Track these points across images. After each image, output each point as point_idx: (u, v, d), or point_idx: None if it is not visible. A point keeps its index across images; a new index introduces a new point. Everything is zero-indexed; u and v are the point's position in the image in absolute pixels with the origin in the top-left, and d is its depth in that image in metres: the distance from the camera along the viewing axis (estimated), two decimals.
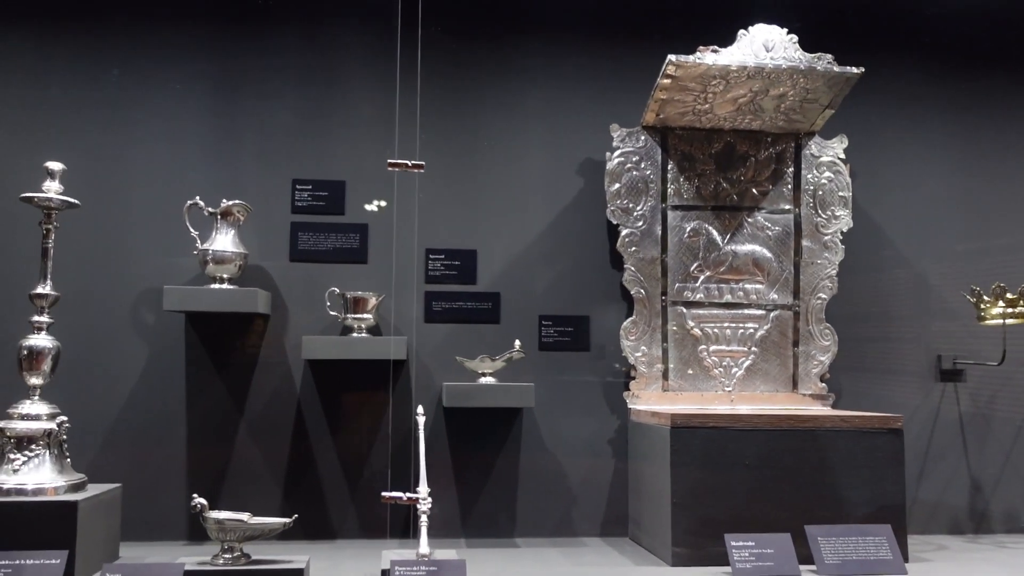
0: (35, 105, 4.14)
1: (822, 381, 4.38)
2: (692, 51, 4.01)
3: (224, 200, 3.99)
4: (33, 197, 3.48)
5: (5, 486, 3.26)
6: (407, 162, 2.53)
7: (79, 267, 4.03)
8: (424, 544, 3.10)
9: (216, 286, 3.95)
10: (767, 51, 4.05)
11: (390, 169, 2.56)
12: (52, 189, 3.50)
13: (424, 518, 3.16)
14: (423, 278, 4.30)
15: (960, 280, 4.60)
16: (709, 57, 4.01)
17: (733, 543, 3.50)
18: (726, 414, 3.79)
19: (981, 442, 4.58)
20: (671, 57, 3.97)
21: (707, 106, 4.24)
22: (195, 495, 3.17)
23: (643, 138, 4.37)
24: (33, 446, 3.33)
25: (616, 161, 4.35)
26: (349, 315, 4.04)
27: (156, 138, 4.20)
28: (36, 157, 4.03)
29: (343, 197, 4.29)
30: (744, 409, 4.13)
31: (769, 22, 4.11)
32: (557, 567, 3.63)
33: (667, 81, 4.07)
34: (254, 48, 4.29)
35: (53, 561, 3.03)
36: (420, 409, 3.51)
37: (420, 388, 4.23)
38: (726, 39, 4.08)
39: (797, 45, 4.07)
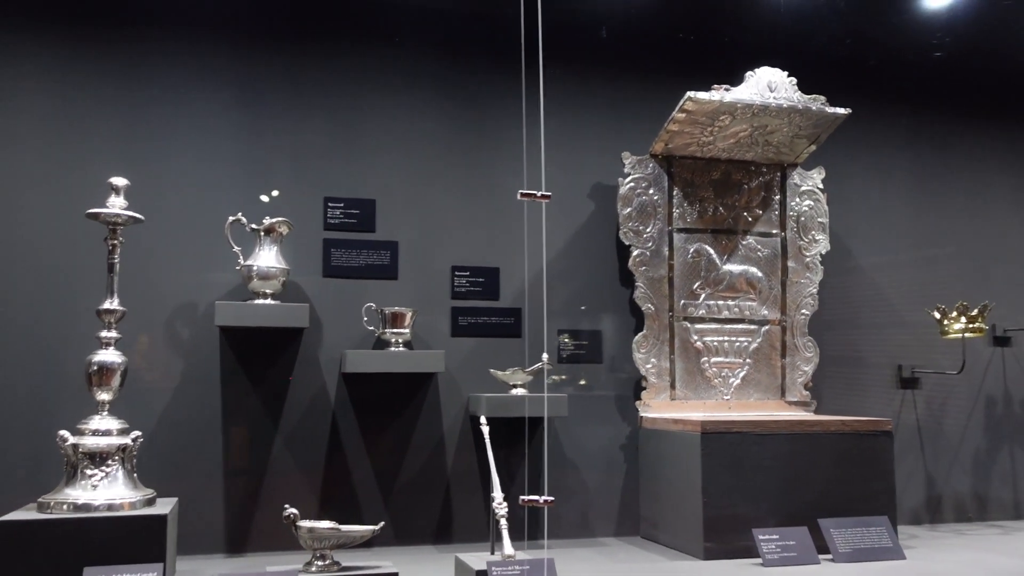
0: (69, 123, 4.09)
1: (806, 389, 4.85)
2: (692, 87, 4.37)
3: (267, 217, 4.08)
4: (99, 213, 3.49)
5: (80, 501, 3.25)
6: (536, 192, 2.75)
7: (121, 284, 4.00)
8: (508, 546, 3.32)
9: (261, 301, 4.02)
10: (771, 91, 4.49)
11: (520, 199, 2.77)
12: (117, 204, 3.52)
13: (504, 522, 3.38)
14: (450, 294, 4.50)
15: (916, 297, 5.20)
16: (722, 95, 4.40)
17: (760, 536, 3.89)
18: (747, 420, 4.18)
19: (934, 443, 5.17)
20: (690, 94, 4.34)
21: (711, 139, 4.64)
22: (287, 505, 3.27)
23: (651, 165, 4.73)
24: (109, 461, 3.34)
25: (628, 186, 4.69)
26: (387, 329, 4.19)
27: (190, 156, 4.23)
28: (71, 175, 4.05)
29: (374, 215, 4.43)
30: (760, 416, 4.52)
31: (765, 63, 4.55)
32: (602, 565, 3.91)
33: (682, 115, 4.44)
34: (286, 69, 4.38)
35: (150, 575, 3.07)
36: (483, 419, 3.72)
37: (448, 399, 4.42)
38: (723, 78, 4.49)
39: (796, 86, 4.52)
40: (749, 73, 4.50)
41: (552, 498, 2.79)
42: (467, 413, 4.43)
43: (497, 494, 3.44)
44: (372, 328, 4.26)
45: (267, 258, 4.05)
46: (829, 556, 3.93)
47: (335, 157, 4.43)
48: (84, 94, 4.12)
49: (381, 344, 4.26)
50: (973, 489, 5.20)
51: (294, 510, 3.25)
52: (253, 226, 4.07)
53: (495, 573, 3.13)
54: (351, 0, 4.51)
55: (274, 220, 4.07)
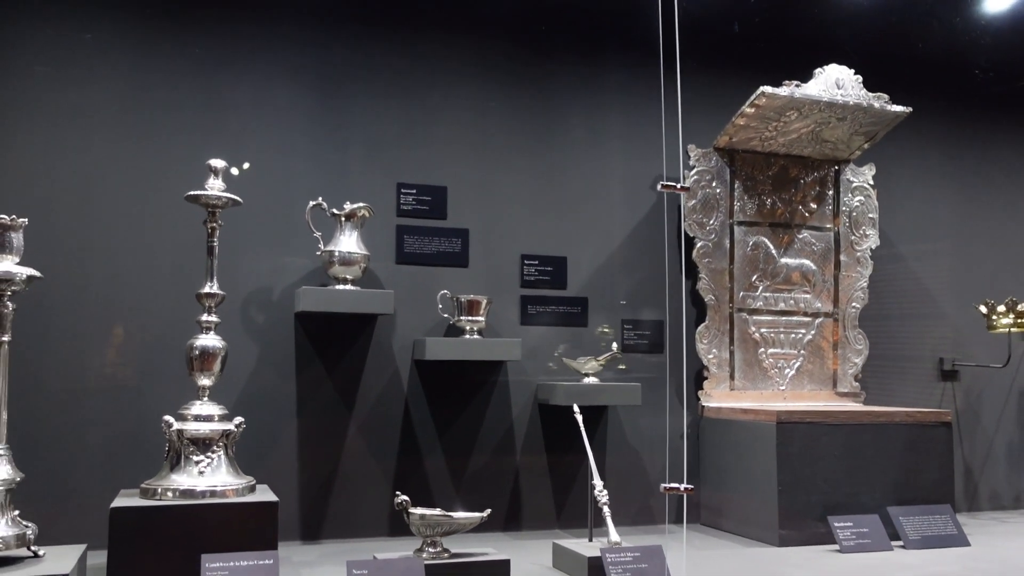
0: (139, 109, 3.99)
1: (856, 380, 4.96)
2: (748, 83, 4.44)
3: (348, 202, 4.04)
4: (200, 195, 3.43)
5: (185, 487, 3.21)
6: (675, 184, 2.78)
7: (191, 268, 3.91)
8: (613, 532, 3.36)
9: (341, 287, 3.99)
10: (838, 88, 4.56)
11: (661, 190, 2.80)
12: (216, 187, 3.46)
13: (606, 509, 3.41)
14: (519, 282, 4.51)
15: (957, 292, 5.35)
16: (792, 90, 4.47)
17: (836, 524, 3.98)
18: (818, 411, 4.27)
19: (972, 433, 5.33)
20: (763, 88, 4.39)
21: (773, 134, 4.71)
22: (398, 492, 3.26)
23: (715, 159, 4.78)
24: (214, 447, 3.30)
25: (693, 179, 4.73)
26: (462, 317, 4.18)
27: (266, 141, 4.17)
28: (149, 160, 3.99)
29: (445, 202, 4.42)
30: (826, 406, 4.60)
31: (826, 58, 4.63)
32: (680, 552, 3.96)
33: (751, 109, 4.50)
34: (363, 56, 4.34)
35: (266, 561, 3.03)
36: (576, 407, 3.74)
37: (516, 388, 4.44)
38: (778, 76, 4.54)
39: (861, 84, 4.61)
40: (818, 70, 4.57)
41: (692, 486, 2.83)
42: (535, 401, 4.45)
43: (597, 481, 3.48)
44: (446, 315, 4.25)
45: (348, 243, 4.02)
46: (899, 543, 4.04)
47: (408, 143, 4.40)
48: (164, 81, 4.03)
49: (454, 332, 4.25)
50: (1008, 479, 5.37)
51: (405, 497, 3.24)
52: (334, 211, 4.04)
53: (609, 560, 3.16)
54: None
55: (355, 205, 4.03)
